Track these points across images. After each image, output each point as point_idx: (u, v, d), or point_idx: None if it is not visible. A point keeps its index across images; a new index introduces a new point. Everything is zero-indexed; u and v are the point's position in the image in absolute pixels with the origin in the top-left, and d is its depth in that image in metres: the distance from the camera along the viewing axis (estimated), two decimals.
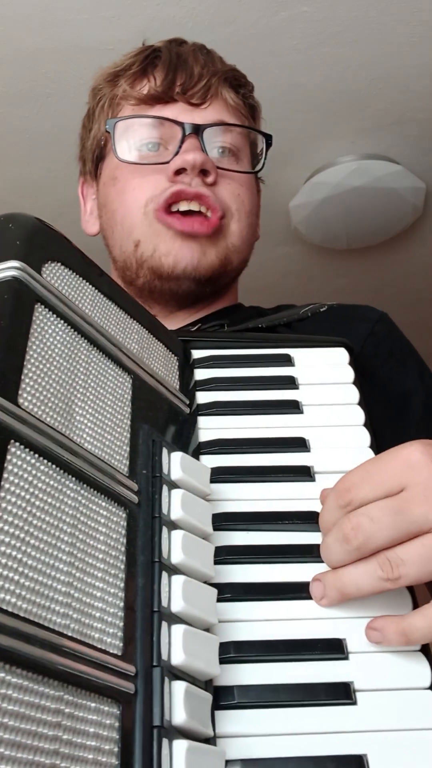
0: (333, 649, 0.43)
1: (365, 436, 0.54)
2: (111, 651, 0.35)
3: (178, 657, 0.37)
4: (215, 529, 0.47)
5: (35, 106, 1.58)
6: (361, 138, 1.73)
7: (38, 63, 1.48)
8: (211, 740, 0.38)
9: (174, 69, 0.74)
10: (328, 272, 2.09)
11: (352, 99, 1.62)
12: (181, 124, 0.72)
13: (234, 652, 0.42)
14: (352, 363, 0.60)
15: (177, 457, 0.46)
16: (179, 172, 0.71)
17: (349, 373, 0.59)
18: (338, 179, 1.77)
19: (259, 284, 2.11)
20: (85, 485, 0.39)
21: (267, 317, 0.72)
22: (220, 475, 0.51)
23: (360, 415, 0.56)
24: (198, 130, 0.72)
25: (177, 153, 0.71)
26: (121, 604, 0.37)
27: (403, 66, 1.54)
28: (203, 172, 0.71)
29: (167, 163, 0.71)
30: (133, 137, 0.73)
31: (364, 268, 2.10)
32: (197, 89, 0.74)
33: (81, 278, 0.48)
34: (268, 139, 0.79)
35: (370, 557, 0.42)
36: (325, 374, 0.59)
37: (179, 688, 0.36)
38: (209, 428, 0.54)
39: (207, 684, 0.40)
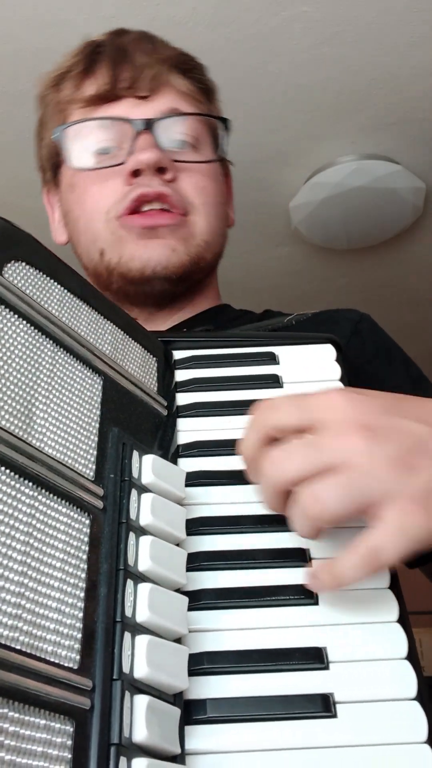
0: (312, 658, 0.41)
1: None
2: (65, 664, 0.33)
3: (141, 669, 0.35)
4: (191, 534, 0.45)
5: (35, 105, 1.59)
6: (361, 138, 1.72)
7: (38, 63, 1.46)
8: (179, 758, 0.36)
9: (118, 63, 0.71)
10: (329, 272, 2.08)
11: (352, 99, 1.62)
12: (130, 121, 0.69)
13: (207, 663, 0.40)
14: (340, 360, 0.57)
15: (149, 460, 0.44)
16: (136, 173, 0.68)
17: (336, 370, 0.57)
18: (338, 179, 1.77)
19: (259, 285, 2.10)
20: (43, 491, 0.37)
21: (251, 325, 0.70)
22: (198, 478, 0.49)
23: None
24: (150, 125, 0.69)
25: (131, 152, 0.68)
26: (80, 615, 0.35)
27: (404, 66, 1.54)
28: (160, 170, 0.69)
29: (122, 164, 0.69)
30: (84, 142, 0.71)
31: (364, 268, 2.09)
32: (143, 81, 0.71)
33: (48, 278, 0.47)
34: (225, 122, 0.75)
35: (295, 503, 0.41)
36: (311, 372, 0.57)
37: (141, 702, 0.34)
38: (188, 430, 0.53)
39: (176, 698, 0.38)
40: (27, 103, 1.65)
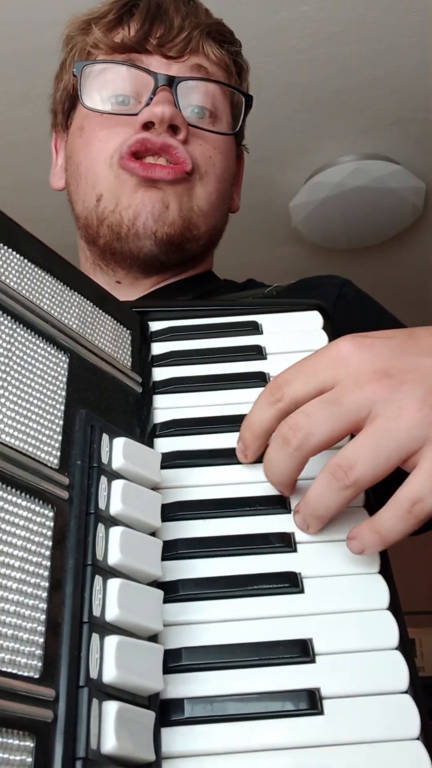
0: (298, 650, 0.38)
1: None
2: (25, 674, 0.30)
3: (110, 673, 0.33)
4: (167, 520, 0.42)
5: (35, 106, 1.59)
6: (361, 138, 1.72)
7: (38, 63, 1.49)
8: (154, 764, 0.33)
9: (152, 18, 0.68)
10: (329, 272, 2.06)
11: (352, 99, 1.61)
12: (153, 74, 0.66)
13: (185, 659, 0.37)
14: (327, 327, 0.54)
15: (119, 443, 0.41)
16: (147, 126, 0.65)
17: (323, 339, 0.53)
18: (338, 179, 1.77)
19: None
20: (0, 484, 0.34)
21: (232, 294, 0.66)
22: (175, 459, 0.46)
23: None
24: (172, 82, 0.66)
25: (147, 105, 0.65)
26: (42, 617, 0.32)
27: (403, 66, 1.54)
28: (173, 129, 0.65)
29: (136, 115, 0.66)
30: (102, 86, 0.68)
31: (364, 268, 2.10)
32: (176, 42, 0.68)
33: (5, 246, 0.43)
34: (249, 100, 0.72)
35: (323, 470, 0.39)
36: (296, 341, 0.53)
37: (110, 709, 0.32)
38: (166, 408, 0.49)
39: (152, 699, 0.35)
40: (27, 104, 1.65)
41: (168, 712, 0.36)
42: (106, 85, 0.68)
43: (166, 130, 0.65)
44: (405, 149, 1.75)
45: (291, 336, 0.54)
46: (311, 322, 0.55)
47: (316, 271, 2.24)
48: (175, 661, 0.37)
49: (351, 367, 0.40)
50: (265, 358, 0.52)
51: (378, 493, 0.42)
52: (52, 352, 0.43)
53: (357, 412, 0.39)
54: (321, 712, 0.36)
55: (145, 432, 0.48)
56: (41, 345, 0.42)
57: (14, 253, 0.44)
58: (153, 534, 0.40)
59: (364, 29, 1.45)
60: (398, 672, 0.37)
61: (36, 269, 0.45)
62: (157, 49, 0.68)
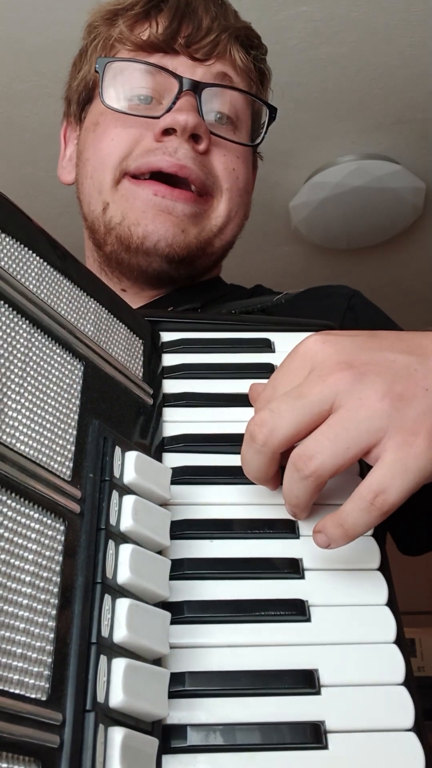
0: (303, 682, 0.37)
1: None
2: (33, 696, 0.29)
3: (116, 698, 0.32)
4: (175, 537, 0.41)
5: (35, 106, 1.59)
6: (361, 138, 1.72)
7: (38, 63, 1.49)
8: None
9: (180, 17, 0.66)
10: (329, 272, 2.11)
11: (352, 99, 1.61)
12: (179, 78, 0.64)
13: (189, 684, 0.36)
14: None
15: (131, 457, 0.40)
16: (167, 132, 0.63)
17: None
18: (338, 179, 1.77)
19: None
20: (12, 495, 0.33)
21: (241, 302, 0.66)
22: (184, 475, 0.45)
23: None
24: (196, 87, 0.64)
25: (169, 109, 0.63)
26: (51, 636, 0.31)
27: (404, 66, 1.54)
28: (194, 138, 0.63)
29: (157, 118, 0.63)
30: (124, 84, 0.65)
31: (364, 268, 2.10)
32: (203, 43, 0.66)
33: (27, 249, 0.42)
34: (273, 111, 0.70)
35: (288, 461, 0.39)
36: None
37: (116, 736, 0.31)
38: (175, 421, 0.48)
39: (154, 725, 0.34)
40: (27, 104, 1.63)
41: (169, 738, 0.35)
42: (129, 83, 0.66)
43: (187, 139, 0.63)
44: (405, 149, 1.75)
45: None
46: None
47: (315, 270, 2.25)
48: (177, 686, 0.36)
49: (317, 361, 0.40)
50: None
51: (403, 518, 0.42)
52: (68, 359, 0.42)
53: (320, 404, 0.39)
54: (325, 747, 0.35)
55: (153, 445, 0.47)
56: (57, 351, 0.41)
57: (34, 255, 0.43)
58: (160, 552, 0.39)
59: (364, 29, 1.45)
60: (404, 708, 0.37)
61: (55, 273, 0.44)
62: (184, 50, 0.66)
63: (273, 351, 0.54)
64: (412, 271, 2.13)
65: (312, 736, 0.35)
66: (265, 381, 0.51)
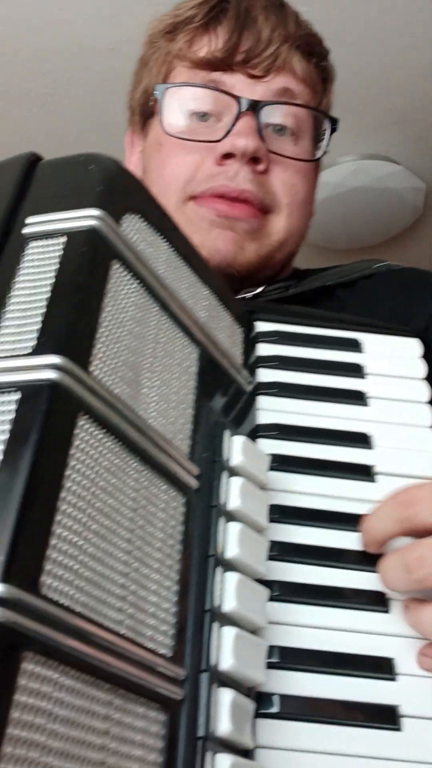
0: (380, 668, 0.40)
1: None
2: (161, 651, 0.32)
3: (226, 662, 0.35)
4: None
5: (35, 106, 1.59)
6: (361, 138, 1.71)
7: (38, 63, 1.49)
8: (250, 752, 0.35)
9: (240, 29, 0.67)
10: None
11: (352, 99, 1.60)
12: (237, 99, 0.65)
13: (278, 657, 0.39)
14: (426, 357, 0.56)
15: (239, 441, 0.43)
16: (228, 156, 0.65)
17: (421, 369, 0.55)
18: (338, 179, 1.76)
19: None
20: (148, 466, 0.36)
21: (337, 269, 0.68)
22: (275, 463, 0.48)
23: (429, 415, 0.52)
24: (255, 107, 0.65)
25: (229, 132, 0.65)
26: (175, 599, 0.34)
27: (404, 66, 1.53)
28: (254, 160, 0.65)
29: (216, 142, 0.65)
30: (183, 102, 0.67)
31: None
32: (262, 58, 0.66)
33: (158, 234, 0.44)
34: (334, 123, 0.72)
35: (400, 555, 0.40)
36: (394, 366, 0.55)
37: (226, 697, 0.34)
38: (269, 410, 0.51)
39: (249, 690, 0.37)
40: (27, 103, 1.63)
41: (258, 704, 0.38)
42: (187, 103, 0.67)
43: (247, 162, 0.65)
44: (405, 149, 1.74)
45: (390, 360, 0.56)
46: (409, 348, 0.57)
47: None
48: (268, 658, 0.39)
49: None
50: (364, 378, 0.54)
51: None
52: (187, 343, 0.44)
53: None
54: (399, 729, 0.38)
55: (245, 430, 0.50)
56: (179, 335, 0.44)
57: (165, 241, 0.45)
58: (259, 533, 0.42)
59: (364, 29, 1.44)
60: None
61: (179, 259, 0.46)
62: (242, 67, 0.67)
63: (361, 351, 0.56)
64: None
65: (388, 718, 0.38)
66: (353, 380, 0.54)
